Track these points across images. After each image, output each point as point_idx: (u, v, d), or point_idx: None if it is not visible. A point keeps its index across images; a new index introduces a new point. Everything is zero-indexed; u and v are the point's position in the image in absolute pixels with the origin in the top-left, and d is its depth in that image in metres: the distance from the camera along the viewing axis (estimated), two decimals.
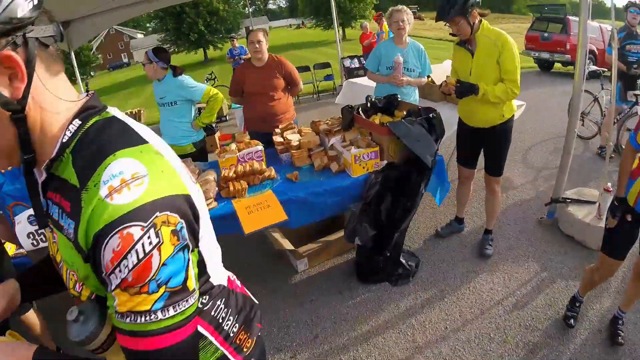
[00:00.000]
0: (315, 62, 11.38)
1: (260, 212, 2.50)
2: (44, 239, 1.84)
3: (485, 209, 3.32)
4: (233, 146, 2.99)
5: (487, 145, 3.04)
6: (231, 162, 2.90)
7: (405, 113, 2.96)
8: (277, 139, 3.12)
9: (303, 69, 11.00)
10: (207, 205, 2.55)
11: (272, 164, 3.07)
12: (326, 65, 10.86)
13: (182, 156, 3.57)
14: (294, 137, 3.07)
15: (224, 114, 9.15)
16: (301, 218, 2.67)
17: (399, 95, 3.17)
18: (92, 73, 41.48)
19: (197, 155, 3.65)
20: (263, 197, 2.60)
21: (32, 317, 2.56)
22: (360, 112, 2.98)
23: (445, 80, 2.82)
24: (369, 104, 3.12)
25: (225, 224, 2.55)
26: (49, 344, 2.70)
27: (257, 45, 3.45)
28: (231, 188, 2.64)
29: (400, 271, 3.02)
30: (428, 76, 3.87)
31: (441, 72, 4.55)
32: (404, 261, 3.04)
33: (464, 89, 2.72)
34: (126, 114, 0.87)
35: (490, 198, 3.20)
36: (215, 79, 10.75)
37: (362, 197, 2.71)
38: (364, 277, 3.07)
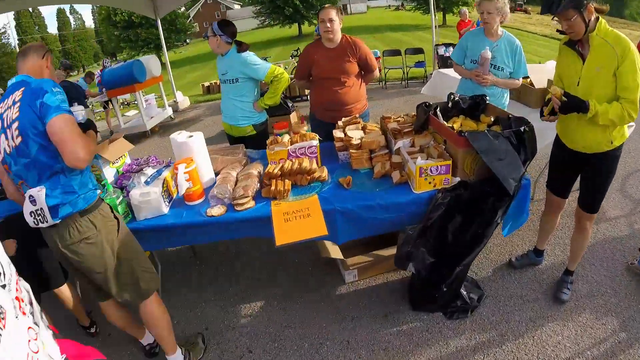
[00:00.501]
0: (408, 46, 10.63)
1: (299, 221, 2.20)
2: (42, 219, 1.84)
3: (571, 247, 2.68)
4: (286, 138, 2.68)
5: (585, 174, 2.40)
6: (280, 156, 2.61)
7: (492, 120, 2.42)
8: (337, 134, 2.76)
9: (393, 52, 10.25)
10: (243, 204, 2.30)
11: (328, 162, 2.73)
12: (419, 50, 10.08)
13: (240, 139, 3.39)
14: (355, 135, 2.68)
15: (305, 93, 8.83)
16: (347, 233, 2.34)
17: (488, 97, 2.61)
18: (187, 40, 43.59)
19: (257, 139, 3.42)
20: (306, 204, 2.29)
21: (65, 291, 2.55)
22: (438, 112, 2.48)
23: (551, 92, 2.20)
24: (450, 103, 2.61)
25: (261, 227, 2.33)
26: (82, 317, 2.71)
27: (328, 25, 3.06)
28: (272, 187, 2.35)
29: (458, 303, 2.57)
30: (524, 78, 3.26)
31: (542, 74, 3.76)
32: (464, 293, 2.57)
33: (570, 105, 2.11)
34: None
35: (578, 237, 2.57)
36: None
37: (423, 218, 2.27)
38: (416, 304, 2.66)
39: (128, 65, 8.00)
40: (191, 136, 2.59)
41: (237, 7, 65.53)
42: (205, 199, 2.50)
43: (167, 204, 2.49)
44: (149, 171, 2.58)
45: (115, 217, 2.10)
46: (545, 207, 2.81)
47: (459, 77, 3.34)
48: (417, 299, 2.65)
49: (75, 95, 7.00)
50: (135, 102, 9.87)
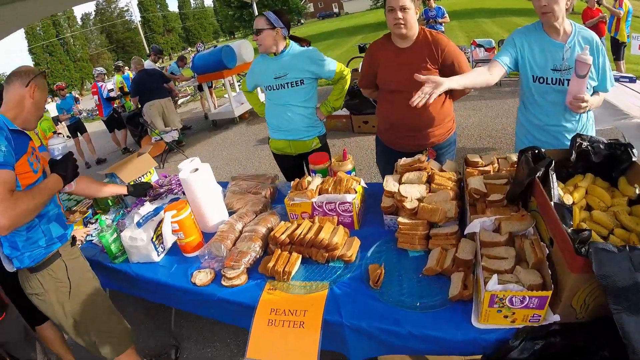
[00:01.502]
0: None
1: (286, 330, 1.51)
2: (7, 264, 1.82)
3: None
4: (317, 181, 1.93)
5: None
6: (302, 210, 1.89)
7: (637, 192, 1.40)
8: (387, 186, 1.88)
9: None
10: (230, 278, 1.72)
11: (370, 224, 1.91)
12: None
13: (299, 158, 2.83)
14: (412, 192, 1.79)
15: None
16: (362, 350, 1.55)
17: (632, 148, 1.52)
18: (301, 21, 42.38)
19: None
20: (307, 302, 1.56)
21: (46, 329, 2.35)
22: (552, 177, 1.46)
23: None
24: (573, 153, 1.56)
25: (243, 316, 1.71)
26: (67, 357, 2.49)
27: (399, 14, 2.11)
28: (270, 264, 1.67)
29: None
30: None
31: None
32: None
33: None
34: None
35: None
36: None
37: None
38: None
39: (217, 51, 7.84)
40: (196, 170, 2.03)
41: None
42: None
43: (162, 250, 2.02)
44: (144, 209, 2.12)
45: (69, 279, 1.88)
46: None
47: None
48: None
49: (149, 86, 7.08)
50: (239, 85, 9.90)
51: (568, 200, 1.48)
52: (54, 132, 5.65)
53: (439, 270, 1.55)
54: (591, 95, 2.02)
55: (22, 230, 1.71)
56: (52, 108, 13.94)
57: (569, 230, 1.18)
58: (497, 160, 1.94)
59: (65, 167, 1.82)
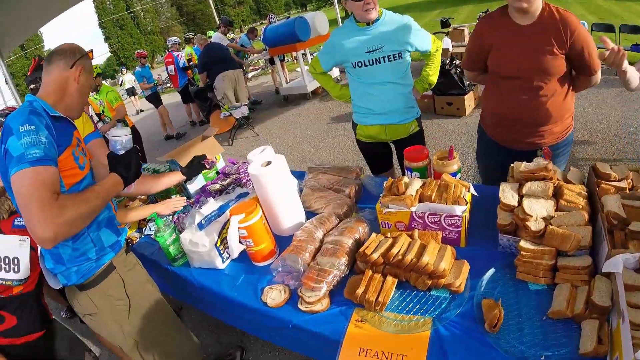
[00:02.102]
0: (623, 21, 7.42)
1: None
2: (50, 280, 1.63)
3: None
4: (416, 185, 1.60)
5: None
6: (398, 220, 1.58)
7: None
8: (505, 198, 1.51)
9: (604, 27, 6.83)
10: (309, 303, 1.46)
11: (477, 240, 1.58)
12: (638, 29, 6.64)
13: (397, 143, 2.59)
14: (538, 209, 1.41)
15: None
16: None
17: None
18: None
19: (418, 140, 2.51)
20: (405, 344, 1.27)
21: None
22: None
23: None
24: None
25: (322, 349, 1.45)
26: None
27: None
28: (360, 290, 1.39)
29: None
30: None
31: None
32: None
33: None
34: None
35: None
36: None
37: None
38: None
39: (290, 22, 7.47)
40: (268, 163, 1.74)
41: None
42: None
43: (227, 256, 1.78)
44: (207, 208, 1.86)
45: (127, 295, 1.65)
46: None
47: None
48: None
49: (217, 59, 6.85)
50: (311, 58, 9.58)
51: None
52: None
53: (569, 316, 1.23)
54: None
55: (67, 240, 1.46)
56: (128, 79, 14.23)
57: None
58: (631, 174, 1.56)
59: (129, 166, 1.52)
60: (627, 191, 1.49)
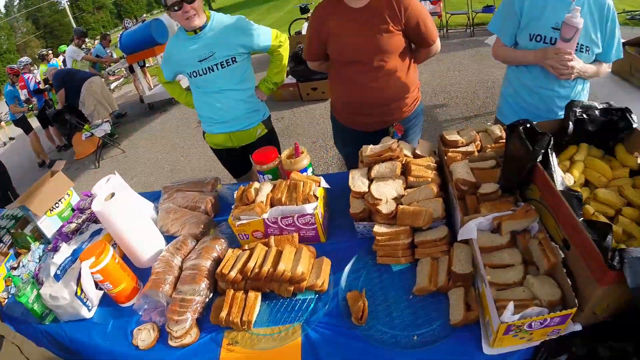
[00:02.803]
0: None
1: None
2: None
3: None
4: (266, 189, 1.54)
5: None
6: (254, 229, 1.52)
7: (637, 159, 1.32)
8: (355, 185, 1.51)
9: None
10: (178, 337, 1.37)
11: (339, 232, 1.58)
12: None
13: (245, 148, 2.43)
14: (387, 191, 1.43)
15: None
16: None
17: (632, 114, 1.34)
18: None
19: (268, 142, 2.38)
20: (279, 356, 1.24)
21: None
22: (552, 158, 1.20)
23: None
24: (571, 123, 1.36)
25: None
26: None
27: None
28: (223, 313, 1.32)
29: None
30: None
31: None
32: None
33: None
34: None
35: None
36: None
37: None
38: None
39: (146, 26, 7.13)
40: (112, 195, 1.60)
41: None
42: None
43: (93, 303, 1.63)
44: (62, 254, 1.69)
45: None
46: None
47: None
48: None
49: (74, 75, 6.62)
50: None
51: (569, 180, 1.32)
52: None
53: (433, 289, 1.27)
54: (591, 62, 1.82)
55: None
56: None
57: (594, 238, 0.97)
58: (479, 136, 1.62)
59: None
60: (476, 154, 1.54)
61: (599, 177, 1.33)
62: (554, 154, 1.21)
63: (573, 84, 1.86)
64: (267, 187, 1.57)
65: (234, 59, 2.16)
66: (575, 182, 1.32)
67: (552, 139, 1.23)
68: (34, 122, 7.66)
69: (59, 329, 1.67)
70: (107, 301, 1.64)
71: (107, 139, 6.59)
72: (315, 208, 1.45)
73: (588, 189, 1.32)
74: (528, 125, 1.32)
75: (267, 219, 1.48)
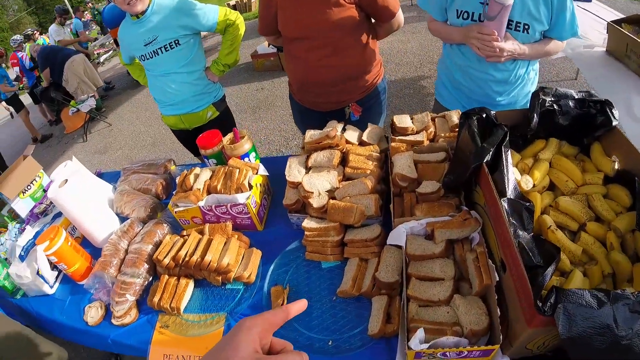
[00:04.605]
0: None
1: None
2: None
3: None
4: (204, 176, 1.59)
5: None
6: (192, 215, 1.58)
7: (615, 167, 1.12)
8: (291, 174, 1.52)
9: None
10: (119, 317, 1.47)
11: (280, 220, 1.60)
12: None
13: (199, 130, 2.44)
14: (319, 183, 1.43)
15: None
16: None
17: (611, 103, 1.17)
18: None
19: (222, 124, 2.41)
20: (202, 344, 1.34)
21: None
22: (507, 156, 1.05)
23: None
24: (535, 114, 1.19)
25: (136, 355, 1.47)
26: None
27: None
28: (156, 298, 1.41)
29: None
30: None
31: None
32: None
33: None
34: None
35: None
36: None
37: None
38: None
39: None
40: (65, 181, 1.68)
41: None
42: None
43: (54, 280, 1.76)
44: (24, 237, 1.81)
45: None
46: None
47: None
48: None
49: (59, 52, 6.68)
50: None
51: (527, 183, 1.16)
52: None
53: (355, 294, 1.23)
54: (537, 42, 1.62)
55: None
56: None
57: (530, 264, 0.84)
58: (434, 122, 1.53)
59: None
60: (426, 143, 1.42)
61: (566, 182, 1.16)
62: (509, 152, 1.06)
63: (512, 67, 1.69)
64: (205, 174, 1.62)
65: (177, 42, 2.17)
66: (535, 185, 1.16)
67: (507, 134, 1.08)
68: (27, 100, 7.91)
69: (27, 304, 1.83)
70: (67, 278, 1.77)
71: (94, 113, 6.74)
72: (248, 198, 1.49)
73: (552, 194, 1.18)
74: (484, 115, 1.16)
75: (203, 207, 1.53)
